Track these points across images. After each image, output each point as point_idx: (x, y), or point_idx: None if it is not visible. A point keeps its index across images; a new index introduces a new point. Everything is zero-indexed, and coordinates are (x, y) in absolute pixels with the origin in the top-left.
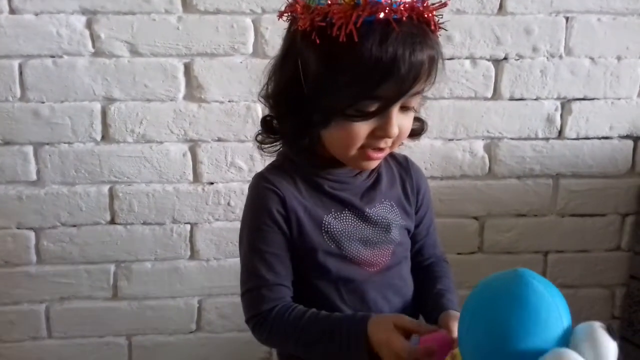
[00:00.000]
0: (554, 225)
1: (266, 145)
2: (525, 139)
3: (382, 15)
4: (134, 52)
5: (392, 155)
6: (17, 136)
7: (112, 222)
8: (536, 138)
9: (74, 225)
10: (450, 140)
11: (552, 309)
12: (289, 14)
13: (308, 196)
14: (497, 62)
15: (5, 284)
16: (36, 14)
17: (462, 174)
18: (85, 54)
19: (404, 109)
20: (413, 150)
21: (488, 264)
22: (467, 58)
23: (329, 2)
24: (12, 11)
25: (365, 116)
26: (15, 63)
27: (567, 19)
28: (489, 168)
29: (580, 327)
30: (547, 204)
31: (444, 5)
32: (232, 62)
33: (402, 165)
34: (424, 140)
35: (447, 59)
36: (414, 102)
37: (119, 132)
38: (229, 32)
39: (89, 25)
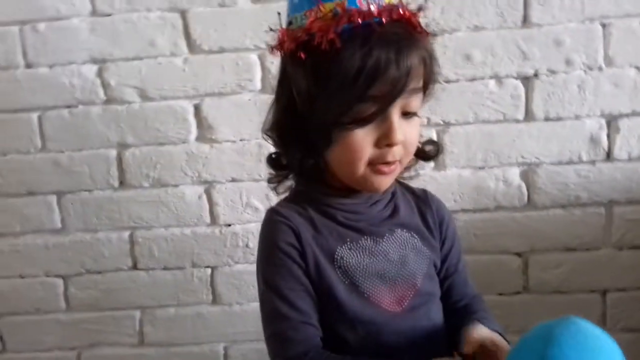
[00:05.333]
0: (610, 260)
1: (278, 184)
2: (567, 163)
3: (360, 20)
4: (144, 96)
5: (409, 188)
6: (40, 186)
7: (135, 267)
8: (580, 162)
9: (99, 272)
10: (480, 168)
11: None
12: (278, 45)
13: (321, 226)
14: (526, 80)
15: (36, 331)
16: (50, 67)
17: (497, 206)
18: (98, 102)
19: (406, 115)
20: (439, 182)
21: (536, 305)
22: (491, 78)
23: (310, 20)
24: (28, 65)
25: (362, 121)
26: (34, 116)
27: (603, 25)
28: (528, 198)
29: None
30: (601, 236)
31: (421, 10)
32: (241, 100)
33: (421, 198)
34: (450, 171)
35: (468, 81)
36: (414, 104)
37: (135, 178)
38: (234, 70)
39: (99, 73)
